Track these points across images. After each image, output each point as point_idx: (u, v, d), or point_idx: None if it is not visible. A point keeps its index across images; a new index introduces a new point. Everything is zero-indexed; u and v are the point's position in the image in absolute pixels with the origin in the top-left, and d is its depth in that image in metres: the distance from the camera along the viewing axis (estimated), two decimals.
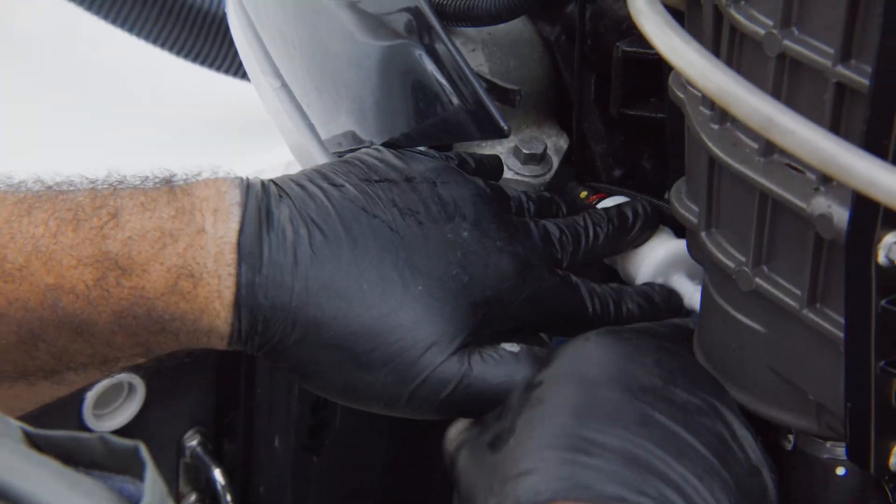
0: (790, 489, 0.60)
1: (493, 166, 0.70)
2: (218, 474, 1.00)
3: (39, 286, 0.57)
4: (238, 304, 0.58)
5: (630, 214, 0.69)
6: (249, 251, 0.59)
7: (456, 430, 0.61)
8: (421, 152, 0.65)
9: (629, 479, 0.52)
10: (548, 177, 0.79)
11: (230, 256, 0.58)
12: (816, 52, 0.49)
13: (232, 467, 1.03)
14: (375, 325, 0.58)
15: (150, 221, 0.58)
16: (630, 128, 0.78)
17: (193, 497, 1.02)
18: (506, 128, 0.61)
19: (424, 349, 0.59)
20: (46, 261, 0.57)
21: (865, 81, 0.47)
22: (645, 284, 0.68)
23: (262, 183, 0.61)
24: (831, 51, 0.48)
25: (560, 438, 0.54)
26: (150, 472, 0.42)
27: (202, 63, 1.25)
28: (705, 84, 0.46)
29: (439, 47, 0.63)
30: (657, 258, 0.69)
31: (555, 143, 0.80)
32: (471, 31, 0.77)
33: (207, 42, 1.24)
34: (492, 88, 0.67)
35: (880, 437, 0.52)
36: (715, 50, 0.54)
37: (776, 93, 0.51)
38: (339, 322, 0.59)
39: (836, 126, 0.49)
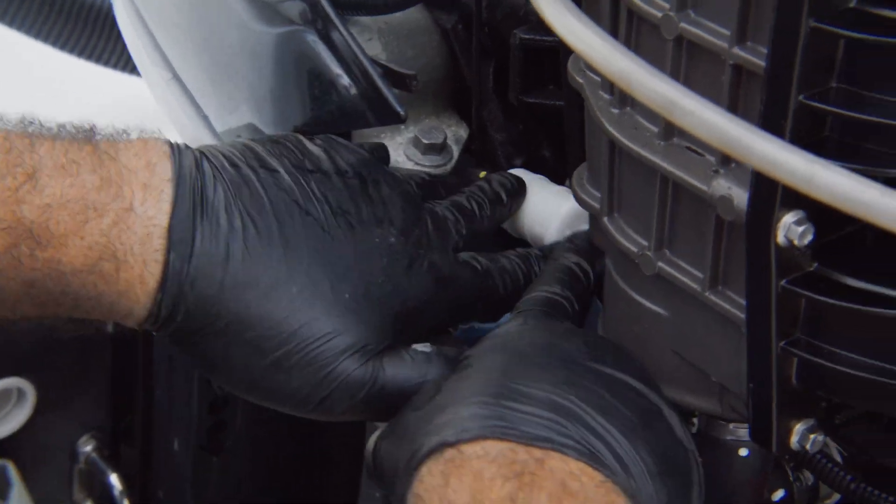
0: None
1: (381, 156, 0.69)
2: (114, 479, 0.97)
3: None
4: (161, 291, 0.56)
5: (498, 185, 0.69)
6: (180, 238, 0.56)
7: (374, 437, 0.60)
8: (342, 142, 0.63)
9: (555, 424, 0.52)
10: (448, 166, 0.78)
11: (159, 241, 0.55)
12: (713, 34, 0.49)
13: (130, 472, 1.00)
14: (299, 330, 0.57)
15: (71, 189, 0.54)
16: (529, 116, 0.78)
17: None
18: (402, 113, 0.60)
19: (343, 357, 0.58)
20: None
21: (761, 63, 0.47)
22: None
23: (195, 156, 0.58)
24: (727, 32, 0.48)
25: (488, 387, 0.54)
26: (17, 492, 0.39)
27: (88, 58, 1.20)
28: (606, 67, 0.45)
29: (333, 34, 0.62)
30: (562, 214, 0.69)
31: (454, 133, 0.80)
32: (367, 19, 0.76)
33: (94, 36, 1.19)
34: (387, 74, 0.66)
35: (781, 416, 0.52)
36: (613, 33, 0.54)
37: (675, 76, 0.51)
38: (263, 323, 0.57)
39: (734, 108, 0.49)
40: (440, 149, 0.78)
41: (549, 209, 0.70)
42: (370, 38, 0.77)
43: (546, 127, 0.78)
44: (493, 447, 0.52)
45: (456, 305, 0.62)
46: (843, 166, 0.45)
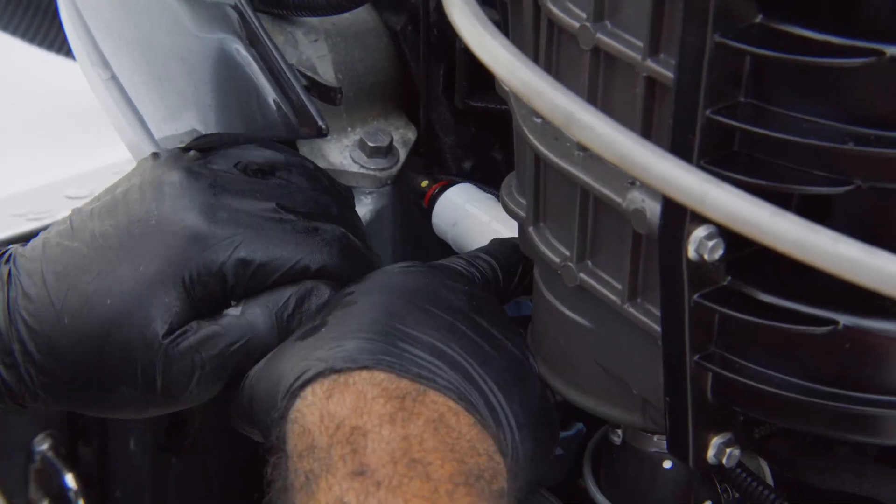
0: (620, 483, 0.60)
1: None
2: (70, 479, 0.97)
3: None
4: None
5: None
6: None
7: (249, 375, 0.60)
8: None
9: (437, 368, 0.54)
10: (394, 170, 0.77)
11: None
12: (628, 45, 0.49)
13: (87, 471, 1.00)
14: (96, 350, 0.58)
15: None
16: (479, 119, 0.77)
17: (45, 503, 0.99)
18: (324, 127, 0.60)
19: (146, 353, 0.58)
20: None
21: (672, 75, 0.46)
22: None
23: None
24: (641, 44, 0.48)
25: (374, 325, 0.56)
26: None
27: (31, 41, 1.17)
28: (509, 79, 0.45)
29: (258, 43, 0.62)
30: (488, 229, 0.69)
31: (402, 135, 0.79)
32: (314, 21, 0.75)
33: (37, 17, 1.16)
34: (313, 85, 0.66)
35: (697, 429, 0.52)
36: (535, 44, 0.54)
37: (592, 88, 0.51)
38: (66, 361, 0.59)
39: (648, 122, 0.49)
40: (386, 152, 0.77)
41: (477, 224, 0.70)
42: (316, 40, 0.77)
43: (495, 130, 0.78)
44: (379, 376, 0.54)
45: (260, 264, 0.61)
46: (751, 183, 0.45)
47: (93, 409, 0.62)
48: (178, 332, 0.59)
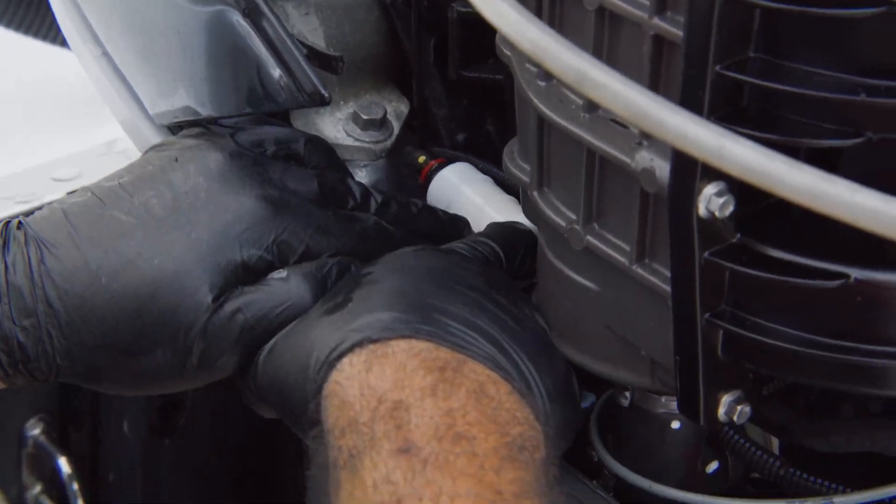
0: (628, 444, 0.61)
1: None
2: (63, 463, 0.96)
3: None
4: None
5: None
6: None
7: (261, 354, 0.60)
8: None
9: (472, 339, 0.55)
10: (388, 142, 0.77)
11: None
12: (633, 4, 0.49)
13: (79, 455, 0.99)
14: (136, 311, 0.58)
15: None
16: (471, 91, 0.77)
17: (38, 488, 0.98)
18: (326, 95, 0.59)
19: (191, 316, 0.58)
20: None
21: (680, 33, 0.46)
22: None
23: (5, 222, 0.61)
24: (647, 3, 0.48)
25: (406, 298, 0.56)
26: None
27: (23, 31, 1.17)
28: (520, 40, 0.45)
29: (258, 13, 0.61)
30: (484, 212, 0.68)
31: (395, 109, 0.79)
32: None
33: (25, 7, 1.17)
34: (313, 55, 0.65)
35: (708, 388, 0.52)
36: (538, 6, 0.53)
37: (598, 48, 0.51)
38: (96, 321, 0.58)
39: (655, 79, 0.49)
40: (380, 124, 0.77)
41: (498, 220, 0.68)
42: (307, 13, 0.76)
43: (488, 102, 0.77)
44: (418, 345, 0.54)
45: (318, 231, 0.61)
46: (761, 137, 0.45)
47: (112, 378, 0.61)
48: (223, 297, 0.59)
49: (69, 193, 0.63)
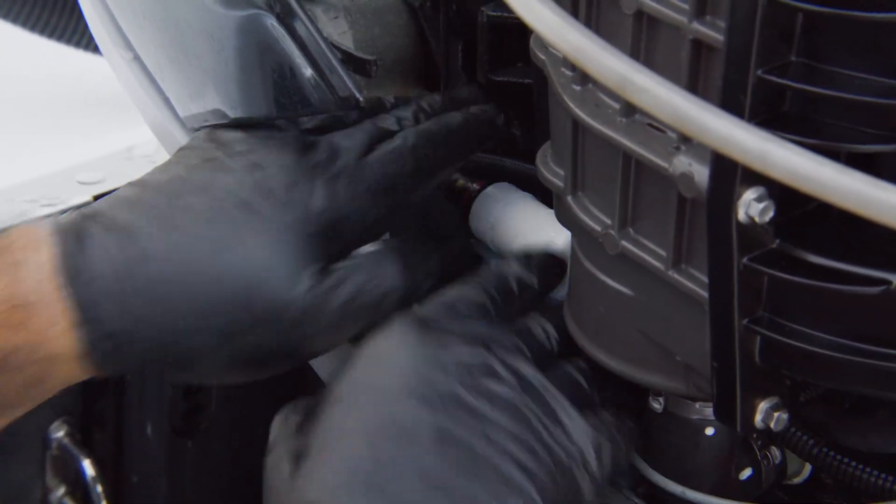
0: (661, 450, 0.61)
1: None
2: (87, 465, 0.96)
3: None
4: (79, 321, 0.57)
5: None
6: (74, 272, 0.58)
7: (279, 419, 0.60)
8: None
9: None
10: None
11: (54, 281, 0.57)
12: (672, 7, 0.48)
13: (103, 457, 0.99)
14: (232, 290, 0.58)
15: None
16: (498, 94, 0.77)
17: (62, 490, 0.99)
18: (361, 99, 0.59)
19: (288, 296, 0.58)
20: None
21: (720, 37, 0.46)
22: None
23: (73, 214, 0.61)
24: (686, 7, 0.48)
25: (354, 475, 0.52)
26: None
27: (50, 36, 1.18)
28: (560, 43, 0.45)
29: (292, 18, 0.61)
30: (560, 247, 0.66)
31: None
32: None
33: (55, 13, 1.18)
34: (347, 58, 0.65)
35: (745, 394, 0.52)
36: (573, 9, 0.53)
37: (635, 51, 0.51)
38: (194, 302, 0.58)
39: (693, 84, 0.49)
40: None
41: (543, 238, 0.67)
42: (336, 17, 0.76)
43: (515, 105, 0.77)
44: None
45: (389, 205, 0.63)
46: (802, 142, 0.45)
47: (208, 363, 0.60)
48: (318, 275, 0.59)
49: (96, 197, 0.64)
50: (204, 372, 0.62)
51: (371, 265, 0.61)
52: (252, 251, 0.58)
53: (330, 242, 0.60)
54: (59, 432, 0.97)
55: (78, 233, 0.59)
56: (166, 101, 0.70)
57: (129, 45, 0.70)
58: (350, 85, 0.59)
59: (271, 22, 0.61)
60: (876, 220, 0.39)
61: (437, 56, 0.78)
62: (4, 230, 0.60)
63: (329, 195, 0.61)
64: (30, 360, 0.57)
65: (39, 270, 0.57)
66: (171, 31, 0.66)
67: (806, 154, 0.40)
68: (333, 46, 0.63)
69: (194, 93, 0.67)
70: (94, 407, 1.00)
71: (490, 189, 0.73)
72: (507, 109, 0.78)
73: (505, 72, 0.75)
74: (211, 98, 0.66)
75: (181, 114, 0.69)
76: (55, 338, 0.57)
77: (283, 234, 0.59)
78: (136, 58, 0.70)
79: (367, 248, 0.62)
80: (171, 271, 0.58)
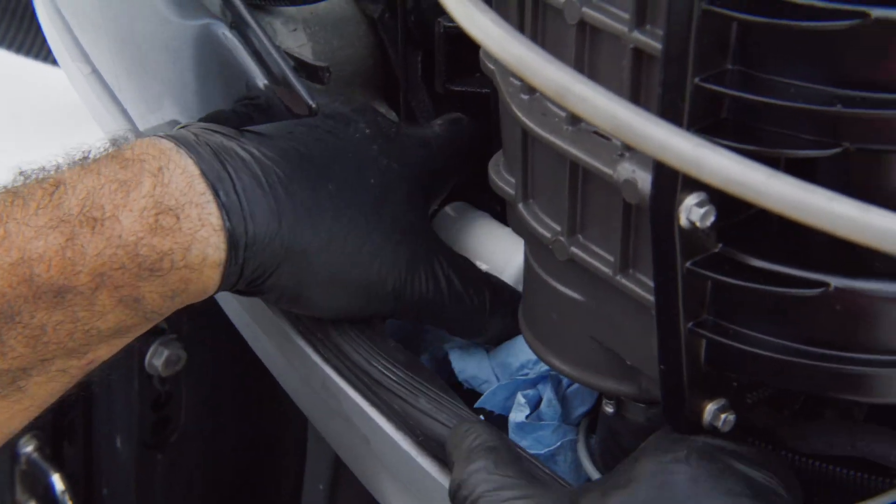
0: (613, 453, 0.61)
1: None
2: (56, 479, 0.97)
3: (3, 266, 0.55)
4: (225, 227, 0.59)
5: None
6: (218, 177, 0.59)
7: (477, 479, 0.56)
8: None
9: None
10: None
11: (200, 185, 0.58)
12: (614, 18, 0.49)
13: (73, 471, 1.00)
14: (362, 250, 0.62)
15: (99, 178, 0.57)
16: (458, 104, 0.78)
17: None
18: (314, 105, 0.60)
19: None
20: (2, 241, 0.55)
21: (660, 45, 0.47)
22: None
23: (193, 132, 0.62)
24: (627, 16, 0.48)
25: None
26: None
27: (8, 48, 1.18)
28: (502, 54, 0.45)
29: (245, 25, 0.62)
30: (516, 266, 0.68)
31: None
32: (291, 10, 0.76)
33: (13, 25, 1.17)
34: (300, 66, 0.66)
35: (692, 397, 0.52)
36: (520, 21, 0.54)
37: (579, 62, 0.52)
38: (329, 241, 0.61)
39: (636, 92, 0.50)
40: None
41: (502, 258, 0.69)
42: (295, 29, 0.77)
43: (474, 115, 0.78)
44: None
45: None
46: (741, 148, 0.46)
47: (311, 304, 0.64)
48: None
49: None
50: (312, 310, 0.64)
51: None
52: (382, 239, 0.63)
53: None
54: (28, 447, 0.97)
55: (210, 145, 0.60)
56: (124, 112, 0.70)
57: (86, 59, 0.71)
58: (303, 92, 0.60)
59: (223, 31, 0.62)
60: (807, 223, 0.40)
61: (396, 67, 0.78)
62: (121, 142, 0.60)
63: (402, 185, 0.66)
64: (178, 265, 0.58)
65: (186, 173, 0.58)
66: (127, 43, 0.67)
67: (739, 160, 0.41)
68: (287, 54, 0.64)
69: (152, 104, 0.68)
70: (64, 421, 1.00)
71: (447, 209, 0.74)
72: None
73: (463, 81, 0.75)
74: (169, 109, 0.67)
75: (140, 126, 0.69)
76: (204, 239, 0.58)
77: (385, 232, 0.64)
78: (94, 71, 0.71)
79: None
80: (312, 218, 0.61)
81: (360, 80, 0.79)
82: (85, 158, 0.59)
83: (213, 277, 0.59)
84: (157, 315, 0.59)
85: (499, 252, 0.69)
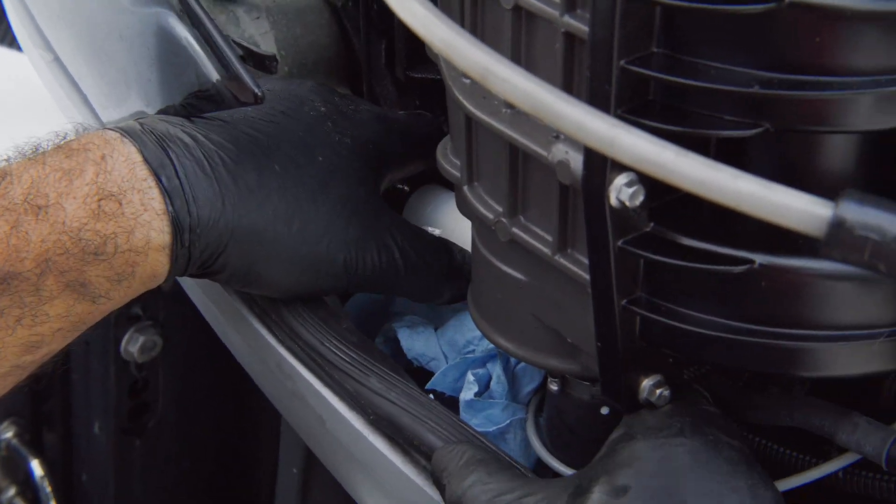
0: (559, 430, 0.62)
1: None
2: (35, 465, 0.98)
3: None
4: (168, 211, 0.60)
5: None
6: (160, 163, 0.61)
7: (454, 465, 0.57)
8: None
9: None
10: None
11: (142, 171, 0.60)
12: (546, 2, 0.50)
13: (52, 457, 1.01)
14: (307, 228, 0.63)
15: (44, 168, 0.59)
16: (421, 91, 0.79)
17: (12, 491, 1.00)
18: (260, 93, 0.61)
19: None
20: None
21: (587, 29, 0.48)
22: None
23: (137, 120, 0.63)
24: (558, 1, 0.50)
25: None
26: None
27: None
28: (428, 36, 0.46)
29: (192, 14, 0.63)
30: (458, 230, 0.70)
31: None
32: None
33: None
34: (248, 55, 0.67)
35: (628, 372, 0.54)
36: (460, 6, 0.55)
37: (515, 46, 0.53)
38: (274, 220, 0.62)
39: (568, 76, 0.51)
40: None
41: (452, 219, 0.71)
42: (258, 17, 0.78)
43: (439, 101, 0.79)
44: None
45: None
46: (667, 129, 0.47)
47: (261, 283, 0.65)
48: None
49: None
50: (264, 289, 0.66)
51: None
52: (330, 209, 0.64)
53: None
54: (7, 433, 0.99)
55: (155, 133, 0.61)
56: (86, 101, 0.71)
57: (48, 47, 0.72)
58: (249, 81, 0.61)
59: (172, 20, 0.63)
60: (713, 200, 0.41)
61: (359, 54, 0.79)
62: (69, 135, 0.62)
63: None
64: (123, 248, 0.59)
65: (129, 161, 0.60)
66: (85, 31, 0.68)
67: (651, 139, 0.42)
68: (235, 43, 0.65)
69: (112, 93, 0.69)
70: (42, 407, 1.01)
71: (419, 192, 0.75)
72: (431, 105, 0.80)
73: (423, 68, 0.76)
74: (130, 98, 0.68)
75: (101, 115, 0.70)
76: (147, 223, 0.60)
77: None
78: (56, 59, 0.72)
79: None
80: (256, 199, 0.62)
81: (324, 68, 0.80)
82: (34, 151, 0.61)
83: (160, 261, 0.61)
84: (107, 300, 0.60)
85: (449, 214, 0.70)
